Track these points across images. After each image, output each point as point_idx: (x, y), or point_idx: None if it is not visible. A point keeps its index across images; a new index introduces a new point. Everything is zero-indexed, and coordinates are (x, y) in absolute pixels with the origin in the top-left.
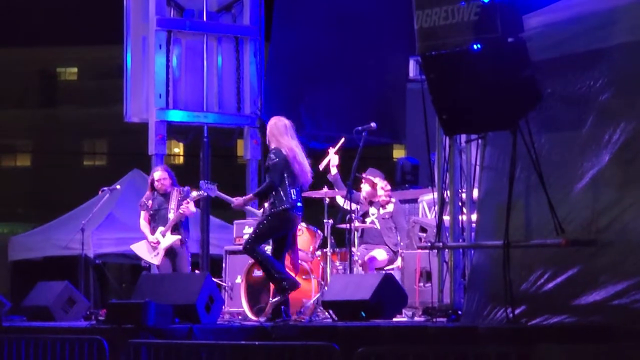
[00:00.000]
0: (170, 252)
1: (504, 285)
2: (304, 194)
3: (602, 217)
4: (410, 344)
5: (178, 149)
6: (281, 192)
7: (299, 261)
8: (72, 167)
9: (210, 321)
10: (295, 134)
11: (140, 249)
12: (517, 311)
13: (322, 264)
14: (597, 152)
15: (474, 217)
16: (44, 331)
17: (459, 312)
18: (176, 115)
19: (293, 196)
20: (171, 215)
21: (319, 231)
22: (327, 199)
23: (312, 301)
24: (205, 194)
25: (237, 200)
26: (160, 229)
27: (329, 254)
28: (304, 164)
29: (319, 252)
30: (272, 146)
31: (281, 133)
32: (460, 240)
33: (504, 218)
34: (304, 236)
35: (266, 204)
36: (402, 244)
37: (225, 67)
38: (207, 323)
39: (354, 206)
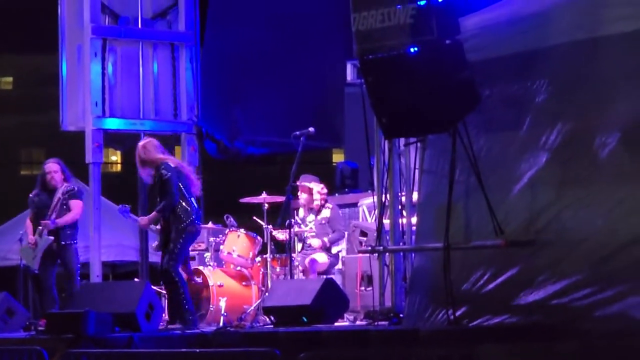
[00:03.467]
0: (51, 256)
1: (444, 287)
2: (244, 200)
3: (541, 217)
4: (353, 348)
5: (115, 156)
6: (185, 205)
7: (238, 267)
8: (9, 176)
9: (151, 329)
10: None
11: (22, 252)
12: (458, 313)
13: (262, 270)
14: (535, 153)
15: (414, 220)
16: None
17: (401, 315)
18: (113, 123)
19: (195, 206)
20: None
21: (258, 237)
22: (266, 205)
23: (252, 307)
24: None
25: (142, 220)
26: (39, 229)
27: (269, 259)
28: (192, 173)
29: (258, 258)
30: (156, 163)
31: (158, 150)
32: (401, 244)
33: (444, 220)
34: (243, 242)
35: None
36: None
37: (161, 73)
38: (147, 331)
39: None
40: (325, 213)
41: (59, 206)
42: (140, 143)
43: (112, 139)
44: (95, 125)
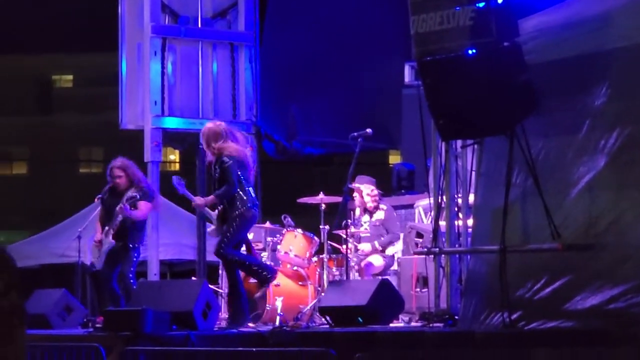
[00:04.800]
0: (114, 256)
1: (500, 290)
2: (301, 200)
3: (599, 222)
4: (408, 349)
5: (174, 155)
6: (242, 193)
7: (295, 267)
8: (69, 174)
9: (208, 328)
10: (235, 135)
11: (93, 248)
12: (513, 316)
13: (318, 270)
14: (593, 156)
15: (470, 222)
16: (41, 339)
17: (456, 317)
18: (172, 122)
19: (252, 194)
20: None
21: (315, 237)
22: (323, 205)
23: (309, 307)
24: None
25: (198, 200)
26: (106, 228)
27: (325, 260)
28: (251, 161)
29: (315, 258)
30: (220, 150)
31: (224, 136)
32: (457, 246)
33: (500, 223)
34: (300, 242)
35: (219, 207)
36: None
37: (220, 73)
38: (204, 330)
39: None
40: (379, 215)
41: (120, 211)
42: (210, 125)
43: (171, 138)
44: (154, 124)
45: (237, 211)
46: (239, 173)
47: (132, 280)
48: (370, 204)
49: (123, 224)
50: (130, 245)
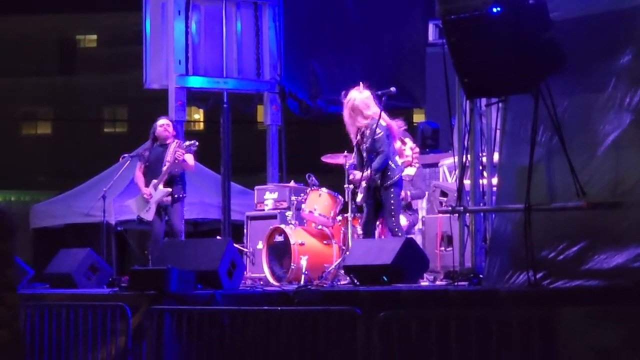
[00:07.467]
0: (163, 208)
1: (525, 249)
2: (325, 159)
3: (625, 180)
4: (432, 308)
5: (198, 115)
6: (391, 163)
7: (319, 226)
8: (93, 134)
9: (233, 287)
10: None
11: (134, 203)
12: (538, 275)
13: (343, 229)
14: (619, 114)
15: (494, 180)
16: (67, 298)
17: (481, 276)
18: (196, 82)
19: (399, 162)
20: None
21: (339, 196)
22: (348, 164)
23: (333, 266)
24: (193, 146)
25: (357, 175)
26: (154, 181)
27: (349, 218)
28: (397, 130)
29: (339, 217)
30: (371, 117)
31: (372, 104)
32: (481, 204)
33: (524, 182)
34: (324, 201)
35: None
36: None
37: (244, 32)
38: (229, 289)
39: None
40: (410, 171)
41: (172, 158)
42: (358, 94)
43: (195, 97)
44: (178, 83)
45: (390, 181)
46: (389, 143)
47: (182, 234)
48: (409, 159)
49: (171, 176)
50: (176, 196)
